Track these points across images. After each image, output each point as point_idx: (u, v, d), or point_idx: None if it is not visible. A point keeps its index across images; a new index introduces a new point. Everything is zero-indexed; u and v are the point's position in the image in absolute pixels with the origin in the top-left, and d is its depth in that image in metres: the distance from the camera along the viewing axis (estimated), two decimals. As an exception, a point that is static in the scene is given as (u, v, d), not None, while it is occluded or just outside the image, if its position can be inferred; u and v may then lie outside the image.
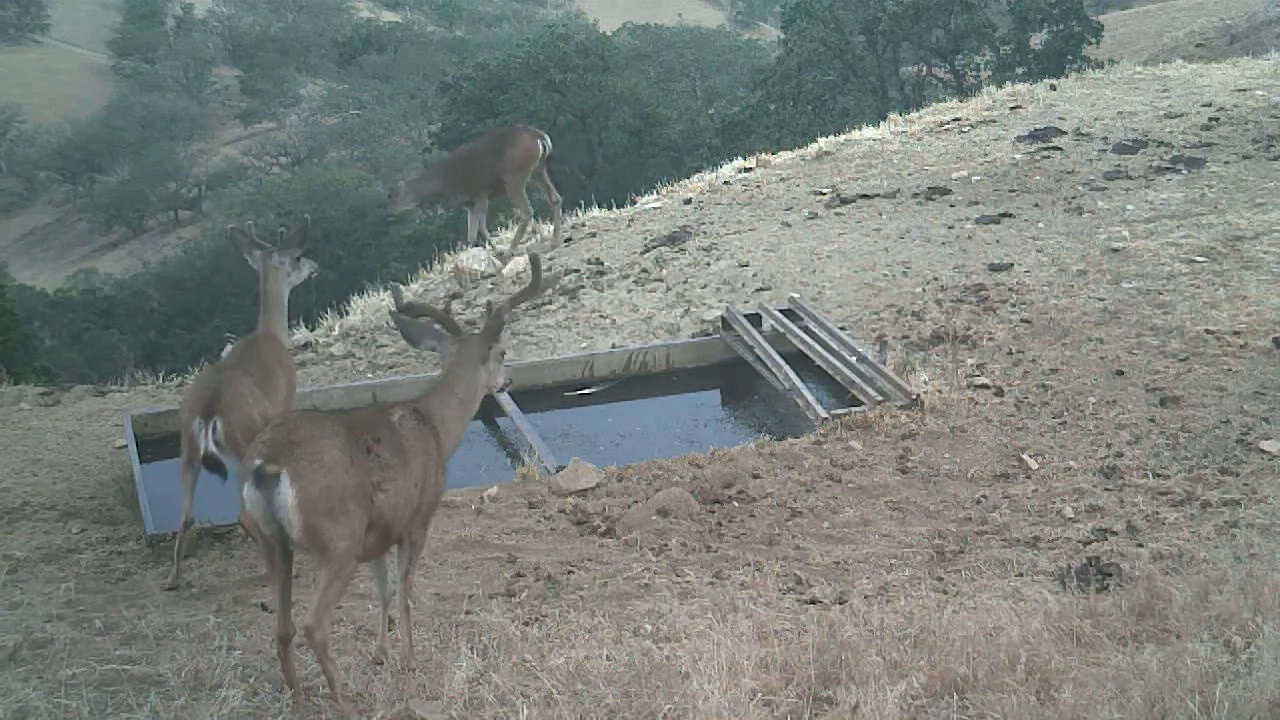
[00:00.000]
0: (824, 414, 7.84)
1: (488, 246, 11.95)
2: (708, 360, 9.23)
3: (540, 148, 11.59)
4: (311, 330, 11.00)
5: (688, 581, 5.98)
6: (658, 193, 14.23)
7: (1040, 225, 10.99)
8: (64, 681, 5.01)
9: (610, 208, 13.77)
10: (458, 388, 5.39)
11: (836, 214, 11.97)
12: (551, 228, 12.57)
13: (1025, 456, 7.38)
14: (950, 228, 11.13)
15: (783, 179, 13.62)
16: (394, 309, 5.78)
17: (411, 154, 47.10)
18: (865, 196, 12.34)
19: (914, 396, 7.91)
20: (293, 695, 4.82)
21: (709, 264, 10.95)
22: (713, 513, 6.85)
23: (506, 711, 4.50)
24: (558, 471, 7.29)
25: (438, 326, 5.55)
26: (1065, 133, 13.76)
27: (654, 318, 10.00)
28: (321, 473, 4.66)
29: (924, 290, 9.69)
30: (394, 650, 5.21)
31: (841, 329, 8.93)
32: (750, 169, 14.40)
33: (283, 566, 4.80)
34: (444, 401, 5.32)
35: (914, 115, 16.56)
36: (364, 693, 4.86)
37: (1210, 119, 13.82)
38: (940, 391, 8.04)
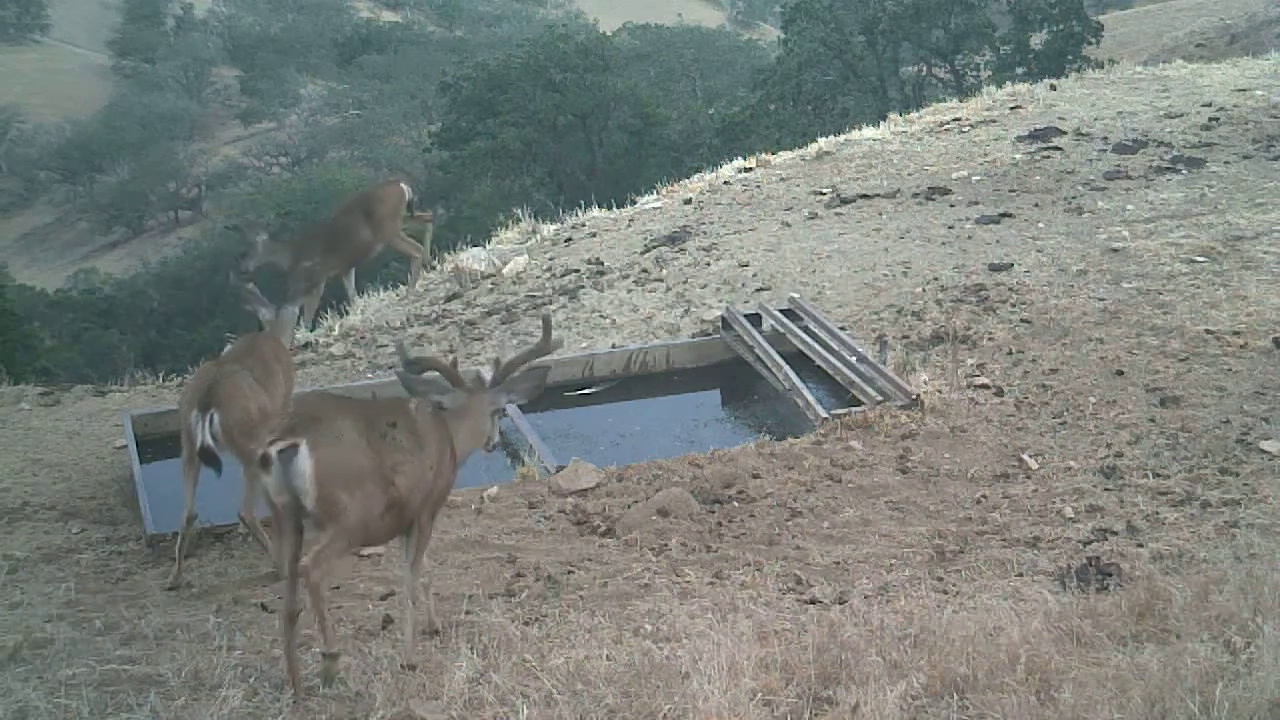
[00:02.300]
0: (824, 414, 7.84)
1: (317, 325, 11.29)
2: (708, 360, 9.23)
3: (405, 192, 11.32)
4: (311, 330, 10.99)
5: (688, 581, 5.98)
6: (658, 193, 14.24)
7: (1040, 225, 10.99)
8: (64, 681, 5.01)
9: (610, 208, 13.78)
10: (469, 429, 5.48)
11: (836, 214, 11.97)
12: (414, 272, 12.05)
13: (1025, 456, 7.37)
14: (950, 228, 11.13)
15: (783, 179, 13.62)
16: (400, 367, 5.82)
17: (412, 154, 47.07)
18: (865, 196, 12.34)
19: (914, 396, 7.91)
20: (293, 695, 4.83)
21: (709, 264, 10.94)
22: (713, 513, 6.85)
23: (506, 711, 4.50)
24: (558, 471, 7.29)
25: (442, 379, 5.60)
26: (1065, 133, 13.76)
27: (654, 318, 10.00)
28: (339, 446, 4.85)
29: (924, 290, 9.69)
30: (397, 648, 5.24)
31: (841, 329, 8.93)
32: (750, 169, 14.40)
33: (293, 540, 4.93)
34: (459, 433, 5.42)
35: (914, 115, 16.56)
36: (364, 692, 4.86)
37: (1210, 119, 13.82)
38: (940, 391, 8.04)
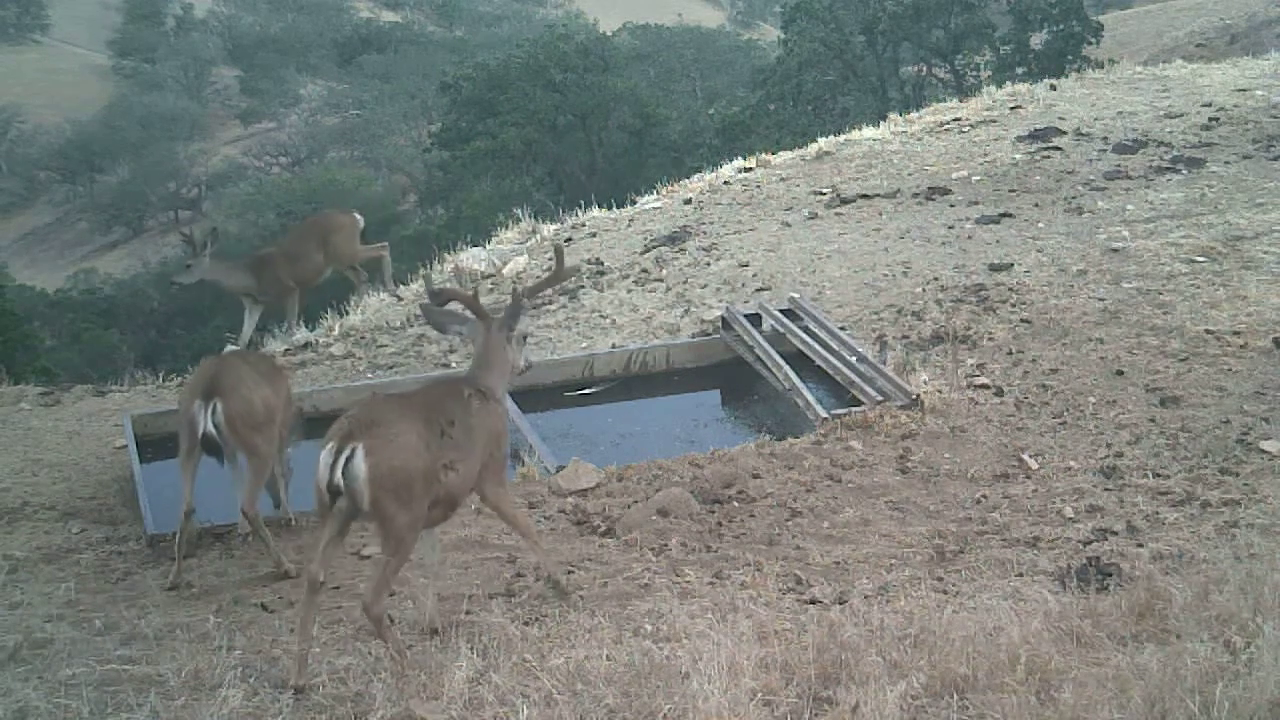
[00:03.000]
0: (824, 414, 7.83)
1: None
2: (708, 360, 9.23)
3: (357, 221, 11.12)
4: (311, 330, 10.98)
5: (688, 581, 5.97)
6: (658, 193, 14.25)
7: (1040, 225, 10.99)
8: (64, 681, 5.01)
9: (610, 208, 13.78)
10: (495, 364, 5.70)
11: (836, 214, 11.97)
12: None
13: (1025, 456, 7.37)
14: (950, 228, 11.13)
15: (783, 179, 13.62)
16: (426, 298, 6.10)
17: (412, 154, 47.08)
18: (865, 196, 12.35)
19: (914, 396, 7.91)
20: (296, 677, 4.85)
21: (709, 264, 10.94)
22: (713, 513, 6.84)
23: (506, 711, 4.50)
24: (558, 471, 7.29)
25: (465, 311, 5.87)
26: (1065, 133, 13.77)
27: (654, 318, 10.00)
28: (394, 453, 4.95)
29: (924, 290, 9.69)
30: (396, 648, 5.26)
31: (841, 329, 8.93)
32: (750, 169, 14.41)
33: (333, 525, 5.04)
34: (489, 375, 5.66)
35: (914, 115, 16.58)
36: (364, 692, 4.85)
37: (1210, 119, 13.82)
38: (940, 391, 8.03)
